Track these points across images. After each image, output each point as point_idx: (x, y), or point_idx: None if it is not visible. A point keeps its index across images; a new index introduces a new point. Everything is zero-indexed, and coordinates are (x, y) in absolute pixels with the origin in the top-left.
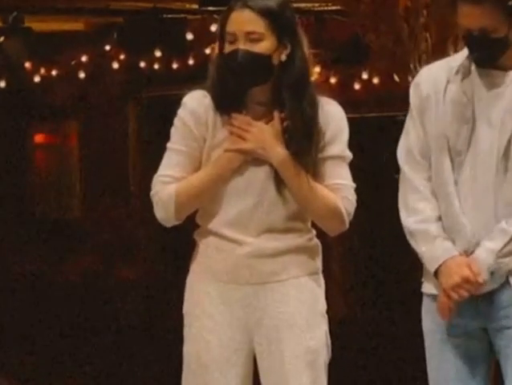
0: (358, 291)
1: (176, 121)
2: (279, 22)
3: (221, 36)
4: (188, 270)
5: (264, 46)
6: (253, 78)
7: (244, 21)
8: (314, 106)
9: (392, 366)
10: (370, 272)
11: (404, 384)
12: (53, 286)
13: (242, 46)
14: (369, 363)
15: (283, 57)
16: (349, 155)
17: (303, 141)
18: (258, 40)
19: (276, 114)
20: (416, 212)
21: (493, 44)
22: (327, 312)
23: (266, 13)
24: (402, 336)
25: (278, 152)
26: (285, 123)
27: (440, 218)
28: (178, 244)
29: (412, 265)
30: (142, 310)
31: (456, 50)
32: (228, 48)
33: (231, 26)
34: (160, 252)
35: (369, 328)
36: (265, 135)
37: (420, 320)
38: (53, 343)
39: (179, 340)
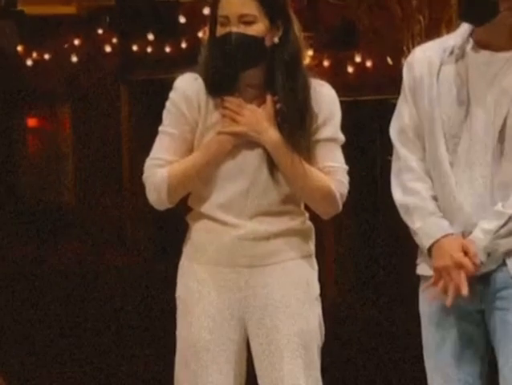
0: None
1: (167, 104)
2: (272, 4)
3: (213, 19)
4: (179, 256)
5: (257, 29)
6: (247, 60)
7: (236, 3)
8: (306, 88)
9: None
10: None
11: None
12: (44, 272)
13: (235, 28)
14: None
15: (276, 39)
16: (341, 137)
17: (296, 123)
18: (251, 22)
19: (268, 96)
20: (412, 192)
21: (484, 0)
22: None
23: None
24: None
25: (271, 135)
26: (277, 106)
27: (435, 198)
28: (170, 229)
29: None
30: (133, 297)
31: (449, 33)
32: (220, 31)
33: (223, 9)
34: (151, 237)
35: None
36: (257, 117)
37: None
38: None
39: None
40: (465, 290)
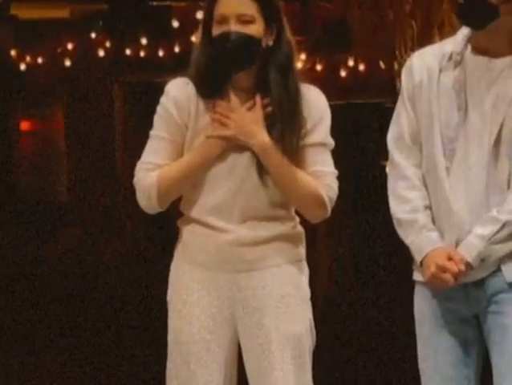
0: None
1: (158, 109)
2: (267, 5)
3: (208, 19)
4: (172, 255)
5: (255, 29)
6: (245, 60)
7: (236, 2)
8: (297, 92)
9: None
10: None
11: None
12: (41, 269)
13: (234, 27)
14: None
15: (270, 42)
16: (331, 142)
17: (287, 126)
18: (250, 22)
19: (258, 99)
20: (405, 201)
21: (483, 4)
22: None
23: None
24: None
25: (260, 139)
26: (268, 109)
27: (428, 207)
28: (164, 228)
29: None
30: (133, 297)
31: (441, 37)
32: (216, 30)
33: (222, 8)
34: (151, 237)
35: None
36: (246, 121)
37: None
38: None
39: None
40: (450, 282)
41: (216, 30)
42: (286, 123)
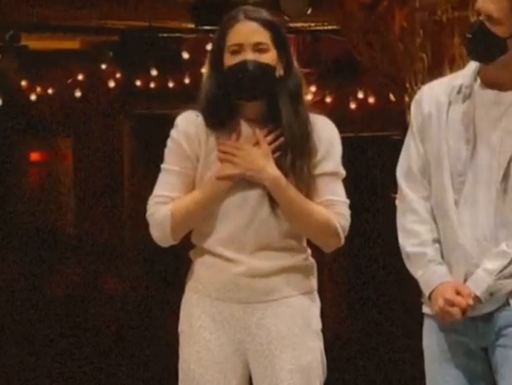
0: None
1: (168, 142)
2: (280, 36)
3: (218, 49)
4: (176, 286)
5: (270, 57)
6: (262, 89)
7: (251, 32)
8: (307, 122)
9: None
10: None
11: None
12: (46, 299)
13: (250, 56)
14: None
15: (281, 71)
16: (342, 171)
17: (297, 156)
18: (265, 51)
19: (264, 132)
20: (413, 235)
21: (491, 38)
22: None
23: (269, 25)
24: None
25: (269, 173)
26: (280, 140)
27: (436, 241)
28: (167, 260)
29: None
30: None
31: (452, 71)
32: (231, 60)
33: (236, 38)
34: (149, 267)
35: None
36: (253, 157)
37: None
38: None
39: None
40: (458, 315)
41: (230, 60)
42: (297, 153)
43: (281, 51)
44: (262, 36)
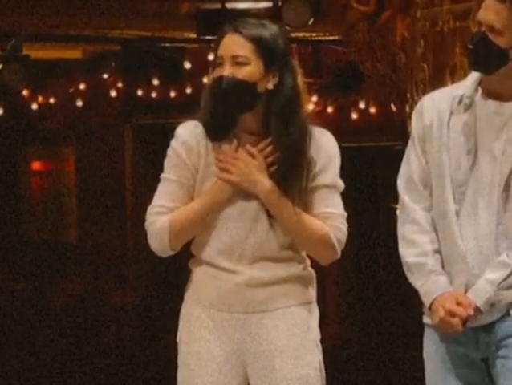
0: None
1: (168, 152)
2: (269, 49)
3: (214, 60)
4: (179, 296)
5: (249, 71)
6: (238, 104)
7: (231, 44)
8: (303, 136)
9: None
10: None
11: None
12: (46, 311)
13: (228, 69)
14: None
15: (270, 85)
16: (340, 184)
17: (290, 171)
18: (244, 64)
19: (260, 146)
20: (414, 245)
21: (493, 49)
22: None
23: (254, 38)
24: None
25: (263, 185)
26: (277, 154)
27: (437, 251)
28: (171, 270)
29: None
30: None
31: (453, 81)
32: (216, 72)
33: (220, 50)
34: (152, 278)
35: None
36: (250, 168)
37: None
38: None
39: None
40: (458, 326)
41: (215, 73)
42: (289, 167)
43: (270, 64)
44: (241, 48)
